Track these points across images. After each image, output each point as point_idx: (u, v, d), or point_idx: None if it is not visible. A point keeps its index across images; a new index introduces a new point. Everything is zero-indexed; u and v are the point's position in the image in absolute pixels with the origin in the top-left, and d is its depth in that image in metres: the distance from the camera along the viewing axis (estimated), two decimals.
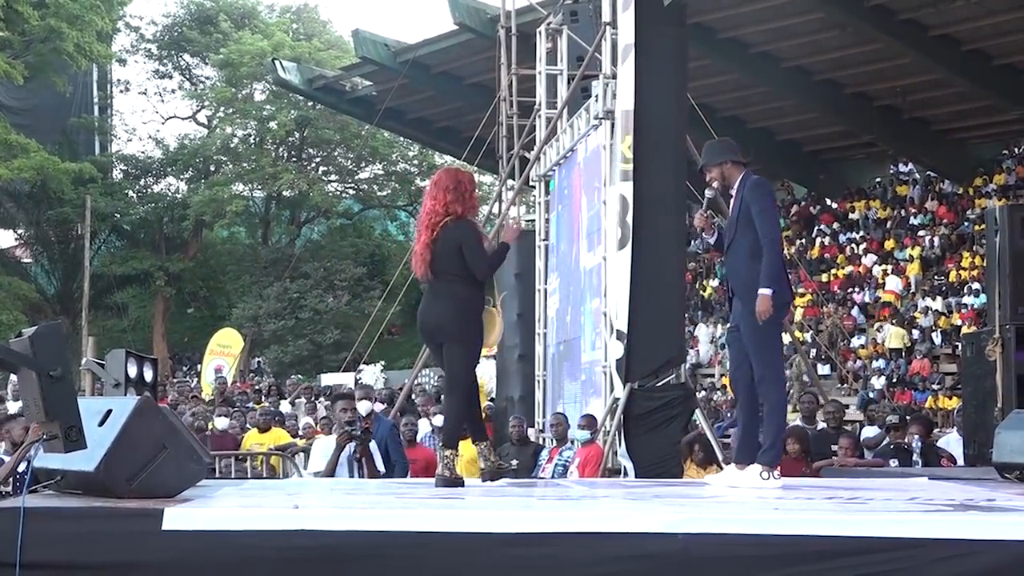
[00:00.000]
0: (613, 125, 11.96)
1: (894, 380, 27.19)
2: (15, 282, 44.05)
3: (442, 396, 7.80)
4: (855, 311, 30.60)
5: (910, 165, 34.74)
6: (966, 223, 30.97)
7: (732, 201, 7.51)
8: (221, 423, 15.43)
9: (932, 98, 30.40)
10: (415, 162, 50.32)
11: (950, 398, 24.68)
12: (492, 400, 18.65)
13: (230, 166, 49.15)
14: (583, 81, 15.44)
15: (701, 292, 36.38)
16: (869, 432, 12.94)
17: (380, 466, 9.92)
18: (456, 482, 7.07)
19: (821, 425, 12.28)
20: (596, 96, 12.83)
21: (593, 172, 13.24)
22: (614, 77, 12.23)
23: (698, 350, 32.52)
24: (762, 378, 7.42)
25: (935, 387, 26.05)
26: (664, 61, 11.37)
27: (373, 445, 10.00)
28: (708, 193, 7.67)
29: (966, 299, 27.90)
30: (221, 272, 50.86)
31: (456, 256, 7.16)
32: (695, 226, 7.71)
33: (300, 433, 15.72)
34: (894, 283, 30.55)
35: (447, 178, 7.39)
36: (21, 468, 7.50)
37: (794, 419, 13.18)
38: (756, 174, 7.65)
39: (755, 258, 7.28)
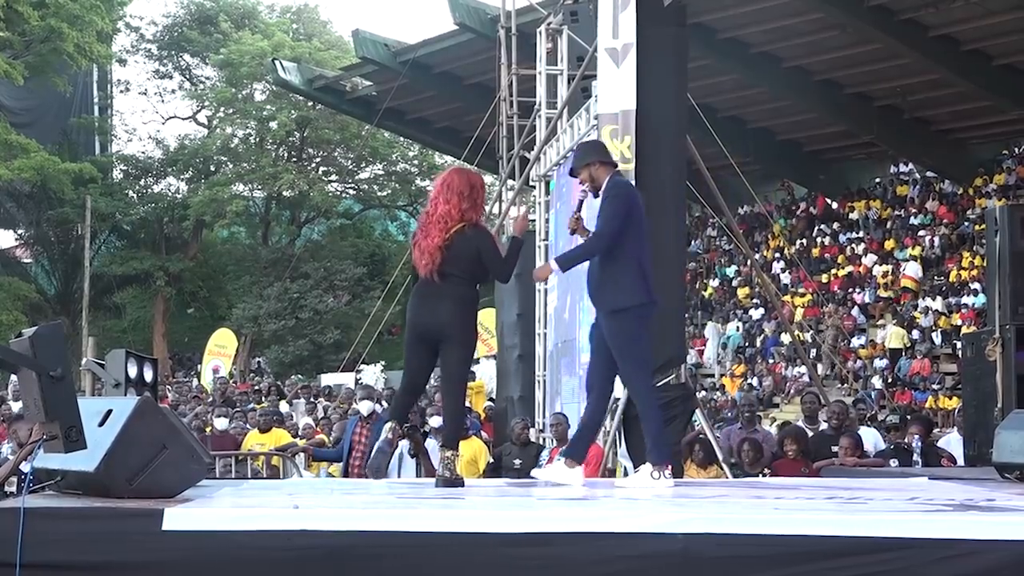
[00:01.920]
0: (598, 127, 11.96)
1: (891, 381, 27.22)
2: (15, 282, 44.04)
3: (439, 397, 7.76)
4: (855, 311, 30.61)
5: (910, 165, 34.76)
6: (966, 223, 30.98)
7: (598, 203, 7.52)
8: (221, 423, 15.43)
9: (932, 98, 30.42)
10: (415, 162, 50.34)
11: (950, 398, 24.69)
12: (492, 400, 18.65)
13: (230, 166, 49.16)
14: (583, 81, 15.44)
15: (701, 292, 36.40)
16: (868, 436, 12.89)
17: (437, 464, 9.87)
18: (456, 482, 7.06)
19: (823, 425, 12.26)
20: (596, 96, 12.82)
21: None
22: (595, 78, 12.26)
23: (701, 350, 32.56)
24: (628, 380, 7.47)
25: (935, 387, 26.06)
26: (664, 61, 11.36)
27: (432, 444, 9.97)
28: (579, 195, 7.68)
29: (966, 299, 27.90)
30: (221, 272, 50.87)
31: (470, 262, 7.10)
32: (567, 228, 7.69)
33: (300, 433, 15.73)
34: (913, 269, 30.51)
35: (460, 182, 7.24)
36: (26, 468, 7.50)
37: (794, 418, 13.17)
38: (619, 175, 7.66)
39: (612, 260, 7.30)
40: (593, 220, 7.56)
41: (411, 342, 7.30)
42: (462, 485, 7.09)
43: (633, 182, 11.13)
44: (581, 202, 7.62)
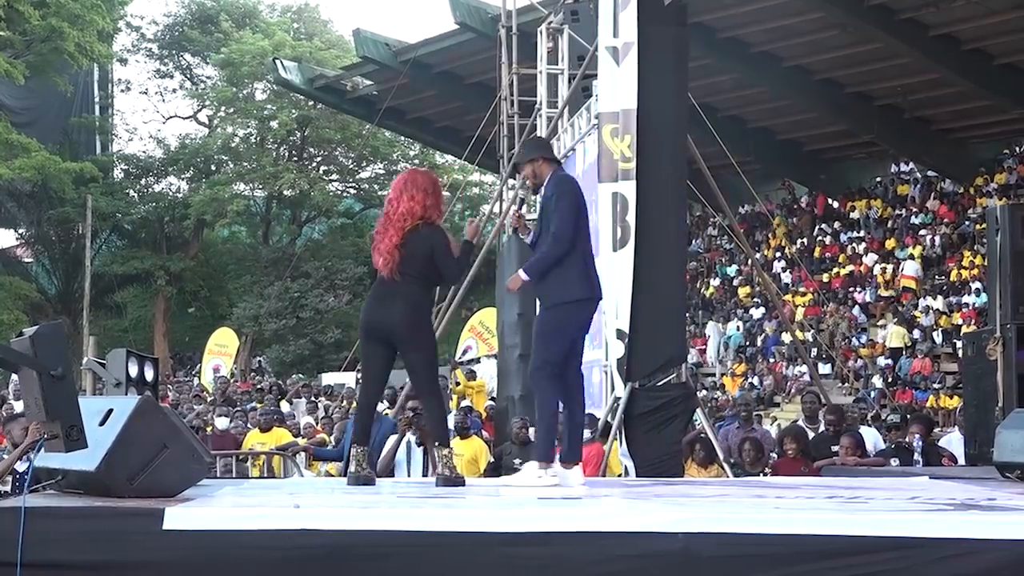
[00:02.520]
0: (599, 125, 11.97)
1: (892, 380, 27.21)
2: (16, 282, 44.06)
3: (421, 404, 7.77)
4: (856, 310, 30.61)
5: (911, 164, 34.75)
6: (967, 222, 30.98)
7: (541, 199, 7.49)
8: (222, 423, 15.44)
9: (933, 97, 30.42)
10: (416, 162, 50.29)
11: (951, 397, 24.68)
12: (493, 400, 18.64)
13: (231, 165, 49.18)
14: (584, 80, 15.45)
15: (702, 291, 36.40)
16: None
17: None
18: (457, 481, 7.07)
19: (823, 426, 12.25)
20: (596, 95, 12.83)
21: (590, 185, 13.17)
22: (595, 77, 12.26)
23: (701, 349, 32.56)
24: (535, 372, 7.43)
25: (936, 386, 26.05)
26: (665, 60, 11.36)
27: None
28: (520, 192, 7.69)
29: (967, 298, 27.90)
30: (222, 272, 50.88)
31: (423, 261, 7.10)
32: (509, 224, 7.68)
33: (301, 433, 15.72)
34: (913, 268, 30.50)
35: (425, 180, 7.30)
36: (22, 468, 7.50)
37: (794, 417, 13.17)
38: (562, 171, 7.65)
39: None
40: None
41: (364, 342, 7.31)
42: (463, 484, 7.10)
43: (634, 181, 11.16)
44: (523, 200, 7.64)
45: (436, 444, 7.35)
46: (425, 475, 10.97)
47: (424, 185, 7.23)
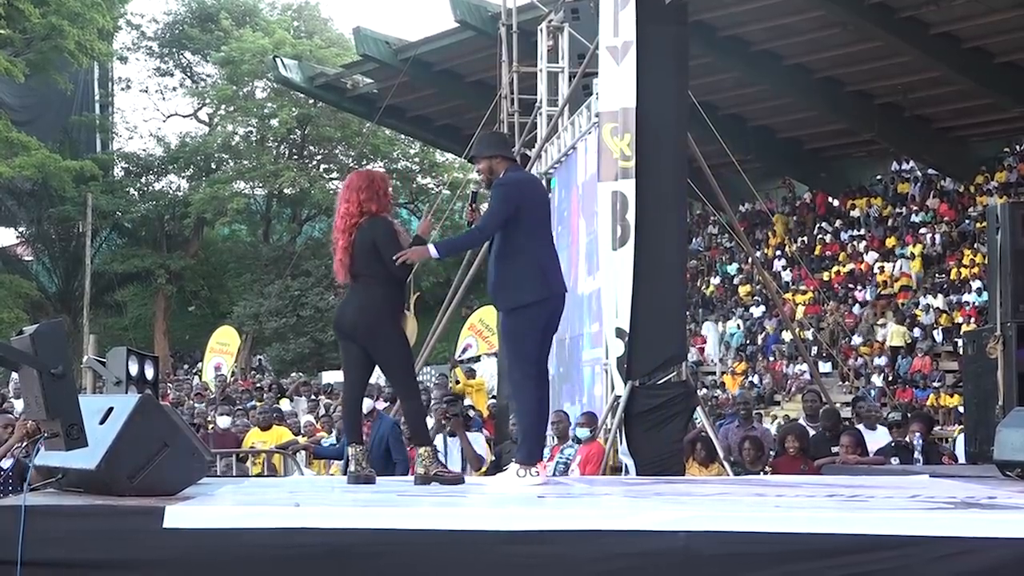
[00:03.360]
0: (599, 124, 11.97)
1: (892, 378, 27.21)
2: (16, 280, 44.09)
3: (399, 400, 7.77)
4: (856, 308, 30.61)
5: (911, 163, 34.77)
6: (967, 221, 31.00)
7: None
8: (223, 422, 15.43)
9: (933, 96, 30.42)
10: (416, 160, 50.35)
11: (951, 396, 24.68)
12: (494, 398, 18.63)
13: (231, 164, 49.20)
14: (584, 79, 15.42)
15: (703, 290, 36.40)
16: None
17: (480, 451, 9.84)
18: (436, 479, 7.05)
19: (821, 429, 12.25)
20: (597, 94, 12.81)
21: (591, 197, 13.17)
22: (596, 75, 12.26)
23: (701, 348, 32.56)
24: (511, 376, 7.48)
25: (936, 385, 26.06)
26: (665, 59, 11.34)
27: (479, 438, 10.02)
28: (472, 187, 7.68)
29: (967, 296, 27.91)
30: (222, 270, 50.90)
31: (372, 255, 7.09)
32: (465, 218, 7.66)
33: (301, 431, 15.71)
34: (913, 267, 30.54)
35: (358, 179, 7.34)
36: (7, 464, 7.49)
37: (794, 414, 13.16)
38: (518, 171, 7.61)
39: (508, 256, 7.25)
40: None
41: (339, 342, 7.41)
42: (440, 483, 7.05)
43: (634, 180, 11.15)
44: (475, 194, 7.63)
45: (414, 444, 7.29)
46: (463, 469, 11.02)
47: (356, 184, 7.29)
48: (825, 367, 28.16)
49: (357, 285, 7.18)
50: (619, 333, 11.25)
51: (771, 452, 11.78)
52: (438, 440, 11.28)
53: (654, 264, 11.06)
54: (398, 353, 7.22)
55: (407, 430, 7.78)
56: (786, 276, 34.09)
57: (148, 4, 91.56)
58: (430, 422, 13.35)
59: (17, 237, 50.44)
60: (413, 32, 63.39)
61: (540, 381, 7.38)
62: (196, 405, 19.17)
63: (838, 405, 15.40)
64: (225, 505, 5.49)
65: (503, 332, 7.46)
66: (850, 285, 31.76)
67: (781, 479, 9.05)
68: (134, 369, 9.42)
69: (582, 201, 14.01)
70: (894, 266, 31.39)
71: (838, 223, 35.11)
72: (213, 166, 49.50)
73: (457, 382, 19.39)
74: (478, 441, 10.88)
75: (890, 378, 27.16)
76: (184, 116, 53.17)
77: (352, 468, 7.17)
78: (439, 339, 19.57)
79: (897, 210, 33.83)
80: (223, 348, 34.72)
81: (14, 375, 15.78)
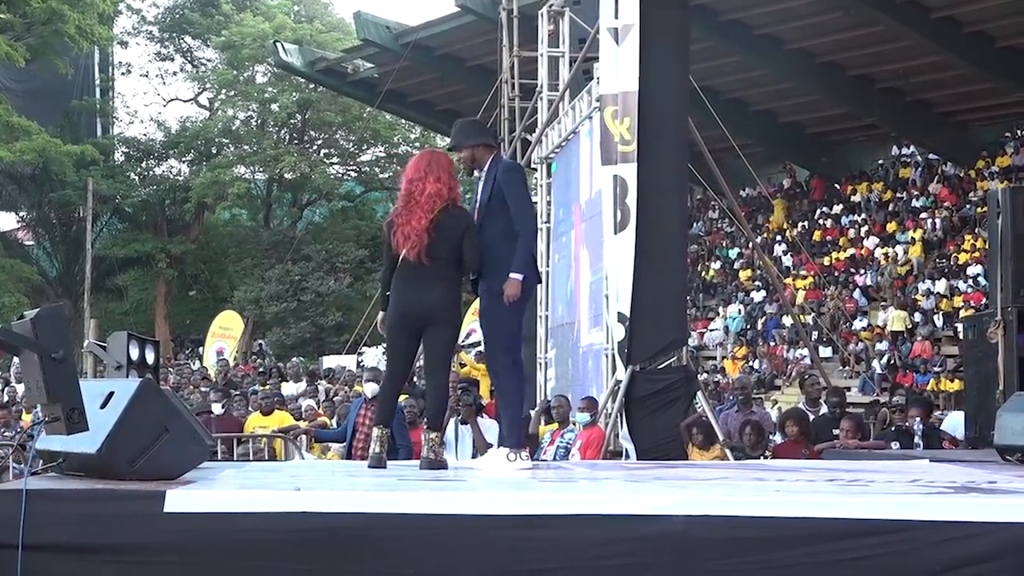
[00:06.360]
0: (600, 108, 11.96)
1: (893, 363, 27.21)
2: (17, 264, 44.08)
3: (425, 379, 7.73)
4: (857, 293, 30.60)
5: (912, 147, 34.71)
6: (968, 205, 30.96)
7: (482, 183, 7.48)
8: (218, 409, 15.37)
9: (934, 80, 30.36)
10: (417, 144, 50.21)
11: (952, 380, 24.68)
12: None
13: (232, 148, 49.15)
14: (585, 63, 15.42)
15: (703, 274, 36.39)
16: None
17: (492, 439, 9.85)
18: (440, 465, 7.06)
19: (824, 409, 12.26)
20: (598, 78, 12.80)
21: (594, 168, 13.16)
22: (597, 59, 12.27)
23: (703, 332, 32.57)
24: (494, 360, 7.49)
25: (936, 369, 26.06)
26: (666, 43, 11.33)
27: (490, 423, 10.02)
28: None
29: (968, 281, 27.88)
30: (223, 254, 50.87)
31: (453, 244, 7.06)
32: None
33: (302, 416, 15.71)
34: (914, 251, 30.57)
35: (448, 162, 7.27)
36: None
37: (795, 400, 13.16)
38: (501, 156, 7.73)
39: (508, 239, 7.26)
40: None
41: (398, 327, 7.22)
42: (446, 468, 7.08)
43: (635, 164, 11.15)
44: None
45: (427, 427, 7.24)
46: (474, 456, 11.02)
47: (448, 167, 7.22)
48: (825, 352, 28.18)
49: (432, 268, 7.04)
50: (620, 318, 11.26)
51: (771, 437, 11.78)
52: (449, 427, 11.27)
53: (655, 249, 11.06)
54: (455, 335, 7.33)
55: (427, 408, 7.76)
56: (787, 261, 34.08)
57: None
58: None
59: (18, 221, 50.41)
60: (414, 17, 63.41)
61: (520, 364, 7.54)
62: (201, 390, 19.00)
63: None
64: (226, 489, 5.50)
65: (486, 315, 7.38)
66: (851, 270, 31.74)
67: (781, 464, 9.07)
68: (135, 353, 9.41)
69: (586, 233, 14.02)
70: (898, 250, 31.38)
71: (838, 208, 35.07)
72: (214, 151, 49.43)
73: (463, 365, 19.39)
74: (491, 429, 10.85)
75: (891, 362, 27.16)
76: (185, 101, 53.17)
77: (376, 449, 7.13)
78: None
79: (898, 195, 33.78)
80: (226, 333, 34.76)
81: (15, 359, 15.79)
